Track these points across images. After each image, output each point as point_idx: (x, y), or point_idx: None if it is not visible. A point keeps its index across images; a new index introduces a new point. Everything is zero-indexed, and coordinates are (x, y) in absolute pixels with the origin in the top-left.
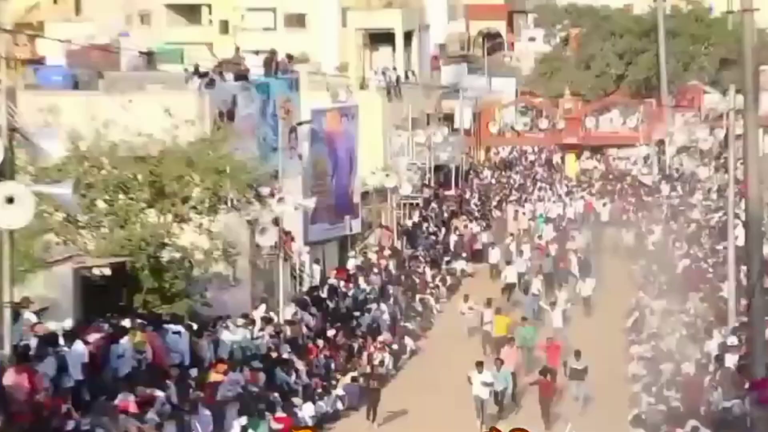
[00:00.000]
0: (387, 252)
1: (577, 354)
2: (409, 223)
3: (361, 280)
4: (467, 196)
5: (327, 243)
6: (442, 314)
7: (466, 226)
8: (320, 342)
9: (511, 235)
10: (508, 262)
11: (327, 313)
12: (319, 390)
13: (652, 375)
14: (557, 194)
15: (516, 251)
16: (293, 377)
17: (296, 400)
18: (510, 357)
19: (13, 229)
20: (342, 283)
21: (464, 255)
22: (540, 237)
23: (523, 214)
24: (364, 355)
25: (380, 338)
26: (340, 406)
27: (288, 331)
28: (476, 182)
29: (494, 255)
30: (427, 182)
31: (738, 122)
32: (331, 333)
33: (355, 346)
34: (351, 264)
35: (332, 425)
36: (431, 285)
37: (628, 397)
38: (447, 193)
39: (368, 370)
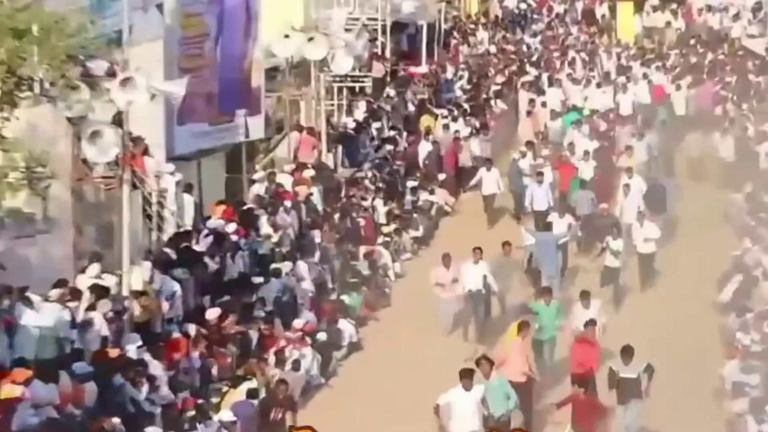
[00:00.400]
0: (309, 173)
1: (627, 353)
2: (348, 122)
3: (264, 222)
4: (448, 74)
5: (206, 158)
6: (403, 281)
7: (446, 127)
8: (192, 329)
9: (528, 145)
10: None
11: (205, 280)
12: (190, 413)
13: (766, 385)
14: (602, 71)
15: (530, 173)
16: (144, 391)
17: None
18: (515, 356)
19: None
20: (231, 228)
21: (442, 176)
22: (571, 147)
23: (543, 105)
24: (270, 352)
25: (296, 322)
26: None
27: (137, 310)
28: (464, 51)
29: (490, 180)
30: (379, 51)
31: None
32: (212, 314)
33: (254, 335)
34: (248, 194)
35: None
36: (385, 231)
37: (723, 423)
38: (414, 70)
39: (276, 378)
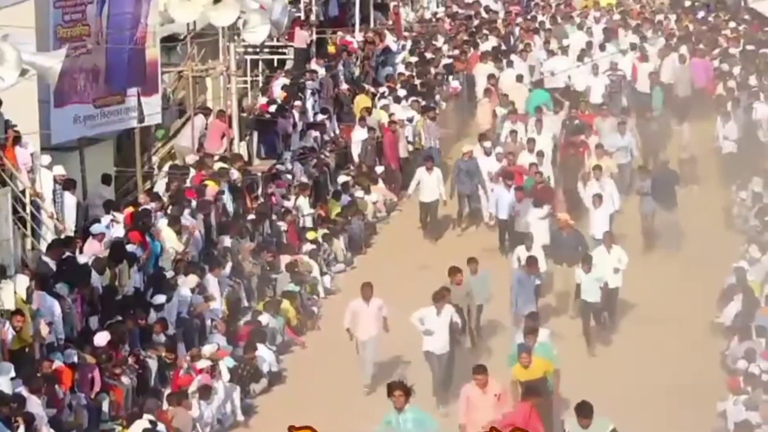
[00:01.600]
0: (218, 164)
1: (584, 411)
2: (264, 102)
3: (162, 226)
4: (389, 45)
5: (91, 147)
6: (334, 298)
7: (386, 109)
8: (73, 357)
9: (482, 138)
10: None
11: (93, 298)
12: None
13: None
14: (574, 39)
15: (484, 160)
16: None
17: None
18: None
19: None
20: (122, 232)
21: (379, 169)
22: (530, 142)
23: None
24: (168, 386)
25: (205, 349)
26: None
27: (9, 335)
28: (407, 16)
29: (431, 184)
30: (302, 16)
31: None
32: (101, 338)
33: (152, 365)
34: (142, 194)
35: None
36: (311, 237)
37: None
38: (346, 39)
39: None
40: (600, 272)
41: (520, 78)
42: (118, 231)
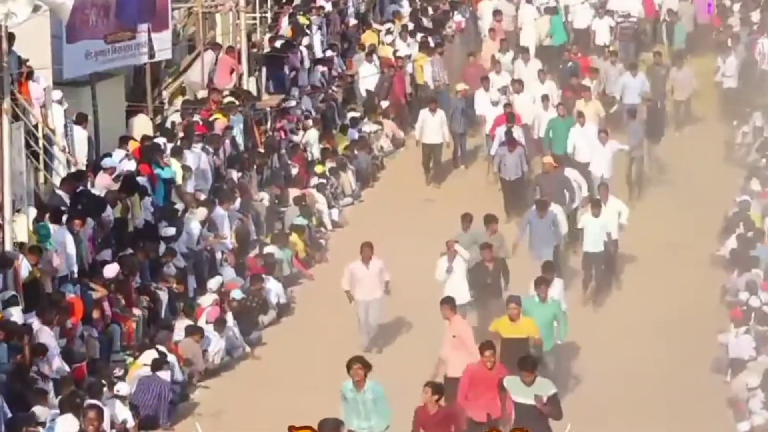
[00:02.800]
0: (226, 98)
1: (526, 365)
2: (273, 39)
3: (173, 161)
4: None
5: (103, 83)
6: (341, 232)
7: (392, 46)
8: (83, 289)
9: (485, 81)
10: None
11: (106, 230)
12: (89, 383)
13: None
14: None
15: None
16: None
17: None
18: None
19: None
20: (134, 165)
21: (384, 104)
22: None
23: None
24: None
25: (214, 281)
26: (125, 418)
27: (24, 268)
28: None
29: (433, 125)
30: None
31: None
32: (110, 270)
33: (163, 296)
34: (150, 123)
35: None
36: (319, 171)
37: (725, 402)
38: None
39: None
40: (606, 218)
41: (542, 10)
42: (130, 165)
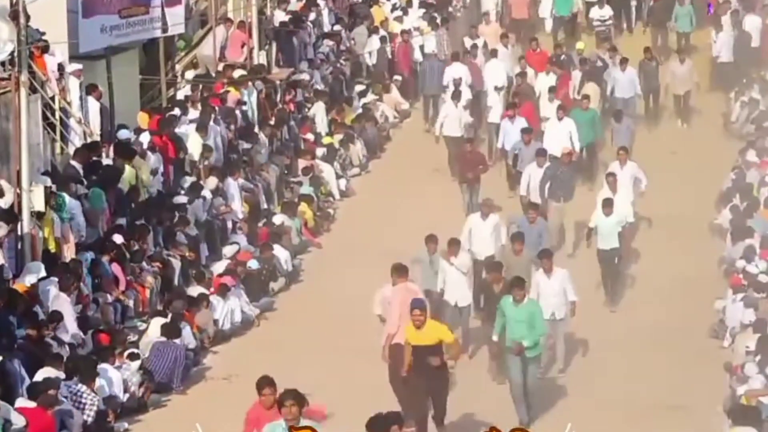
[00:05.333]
0: (237, 72)
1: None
2: (281, 16)
3: (190, 132)
4: None
5: (117, 56)
6: (349, 201)
7: (399, 20)
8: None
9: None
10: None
11: (119, 199)
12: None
13: None
14: None
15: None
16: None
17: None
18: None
19: None
20: (147, 139)
21: (398, 78)
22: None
23: None
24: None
25: (227, 249)
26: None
27: (40, 237)
28: None
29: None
30: None
31: None
32: (117, 237)
33: (175, 264)
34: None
35: None
36: (326, 141)
37: (721, 366)
38: None
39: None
40: (620, 214)
41: None
42: (144, 137)
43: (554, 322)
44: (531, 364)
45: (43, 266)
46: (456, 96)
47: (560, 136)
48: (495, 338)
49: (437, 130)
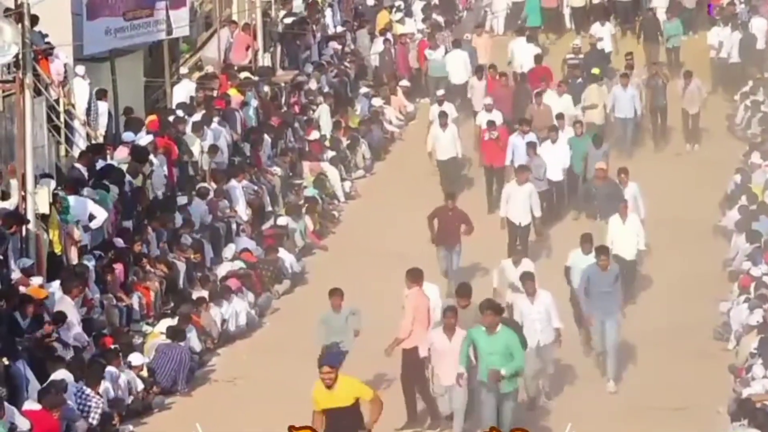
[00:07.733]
0: (241, 74)
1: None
2: (286, 16)
3: (191, 135)
4: None
5: (122, 59)
6: (354, 203)
7: (401, 23)
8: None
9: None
10: None
11: (124, 202)
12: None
13: None
14: None
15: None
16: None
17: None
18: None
19: None
20: (146, 139)
21: (404, 82)
22: None
23: None
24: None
25: (226, 251)
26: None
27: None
28: None
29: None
30: None
31: None
32: (119, 242)
33: (180, 266)
34: (171, 102)
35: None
36: (331, 143)
37: (726, 368)
38: None
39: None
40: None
41: None
42: (147, 138)
43: (541, 349)
44: (506, 400)
45: (30, 261)
46: (443, 125)
47: (554, 159)
48: (461, 370)
49: (429, 146)
